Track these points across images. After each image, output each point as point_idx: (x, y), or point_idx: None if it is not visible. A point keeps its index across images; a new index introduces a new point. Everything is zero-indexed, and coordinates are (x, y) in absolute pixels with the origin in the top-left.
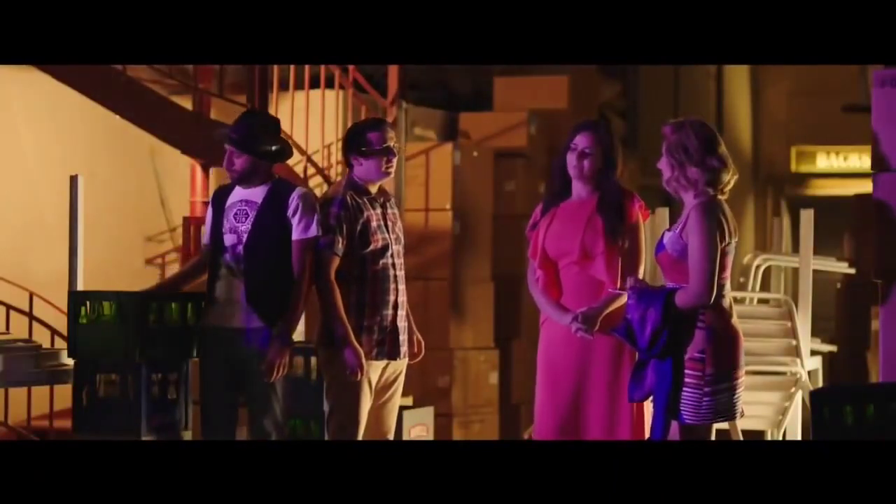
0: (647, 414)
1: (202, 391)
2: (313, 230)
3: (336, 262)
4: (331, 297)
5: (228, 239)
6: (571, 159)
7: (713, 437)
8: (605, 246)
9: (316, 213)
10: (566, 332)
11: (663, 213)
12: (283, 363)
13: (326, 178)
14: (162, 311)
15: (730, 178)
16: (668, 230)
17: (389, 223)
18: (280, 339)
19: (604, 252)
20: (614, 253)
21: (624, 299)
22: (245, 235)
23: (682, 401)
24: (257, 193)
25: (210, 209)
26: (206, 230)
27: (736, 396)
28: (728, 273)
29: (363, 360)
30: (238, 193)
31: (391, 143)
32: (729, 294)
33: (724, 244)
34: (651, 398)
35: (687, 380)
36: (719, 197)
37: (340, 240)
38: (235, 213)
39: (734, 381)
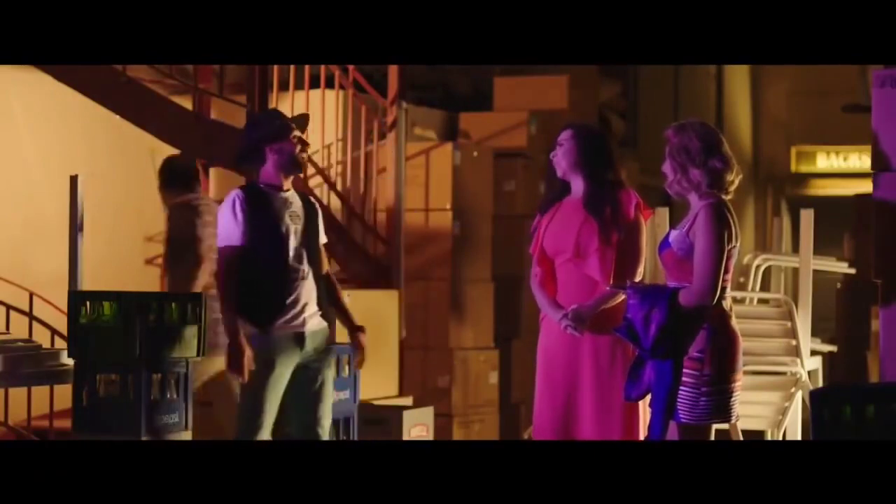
0: (641, 414)
1: (260, 397)
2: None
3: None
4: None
5: (292, 241)
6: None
7: (712, 437)
8: (598, 244)
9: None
10: (561, 330)
11: (663, 213)
12: None
13: (326, 178)
14: (162, 311)
15: (733, 179)
16: (674, 228)
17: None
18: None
19: (597, 250)
20: (608, 251)
21: (619, 298)
22: (303, 237)
23: (679, 399)
24: (293, 195)
25: (245, 210)
26: (231, 232)
27: (732, 399)
28: (730, 275)
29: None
30: (278, 196)
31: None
32: (729, 296)
33: (730, 247)
34: (649, 397)
35: (684, 378)
36: (725, 197)
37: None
38: (290, 215)
39: (731, 384)
